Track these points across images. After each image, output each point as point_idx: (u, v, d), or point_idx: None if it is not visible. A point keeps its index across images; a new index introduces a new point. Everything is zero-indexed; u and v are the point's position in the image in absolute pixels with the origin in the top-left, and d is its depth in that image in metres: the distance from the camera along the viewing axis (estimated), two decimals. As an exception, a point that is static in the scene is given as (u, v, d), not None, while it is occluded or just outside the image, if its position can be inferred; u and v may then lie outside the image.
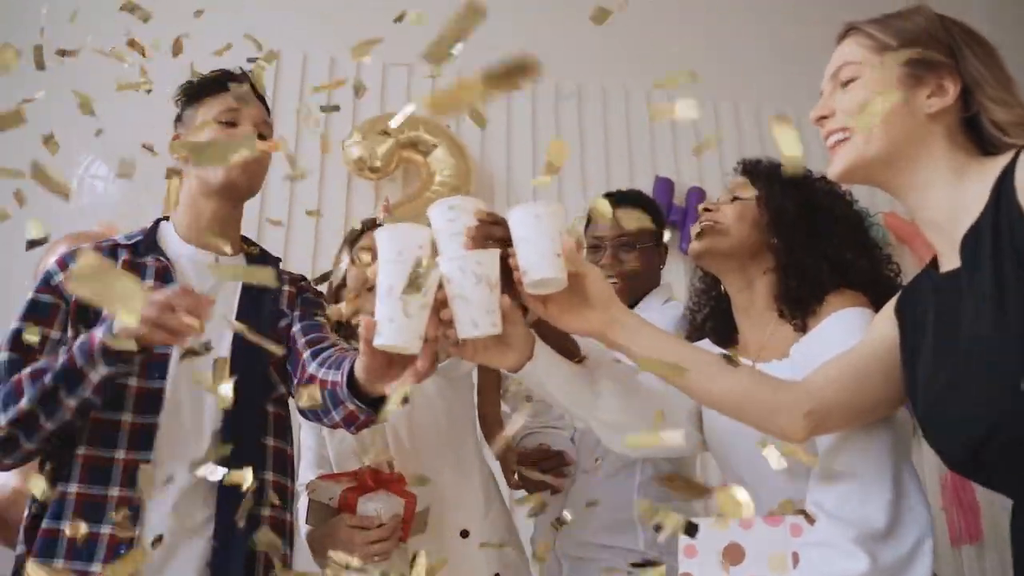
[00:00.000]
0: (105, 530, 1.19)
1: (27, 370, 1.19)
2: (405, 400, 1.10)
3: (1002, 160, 0.92)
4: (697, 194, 3.25)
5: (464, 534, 1.57)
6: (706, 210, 1.33)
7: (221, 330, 1.33)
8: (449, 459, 1.62)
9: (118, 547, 1.19)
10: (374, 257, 1.60)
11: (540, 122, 3.28)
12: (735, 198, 1.32)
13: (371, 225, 1.74)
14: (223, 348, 1.33)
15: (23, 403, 1.17)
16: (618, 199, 1.84)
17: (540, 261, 0.99)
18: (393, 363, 1.02)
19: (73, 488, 1.21)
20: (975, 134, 0.99)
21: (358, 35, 3.43)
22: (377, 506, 1.43)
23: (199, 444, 1.28)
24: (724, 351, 1.12)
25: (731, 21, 3.74)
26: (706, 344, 1.38)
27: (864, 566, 0.98)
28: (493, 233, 1.05)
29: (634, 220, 1.67)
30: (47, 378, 1.16)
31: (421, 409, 1.60)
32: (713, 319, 1.38)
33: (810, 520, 1.06)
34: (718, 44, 3.66)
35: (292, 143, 2.96)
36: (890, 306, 1.08)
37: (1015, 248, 0.85)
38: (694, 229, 1.32)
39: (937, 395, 0.95)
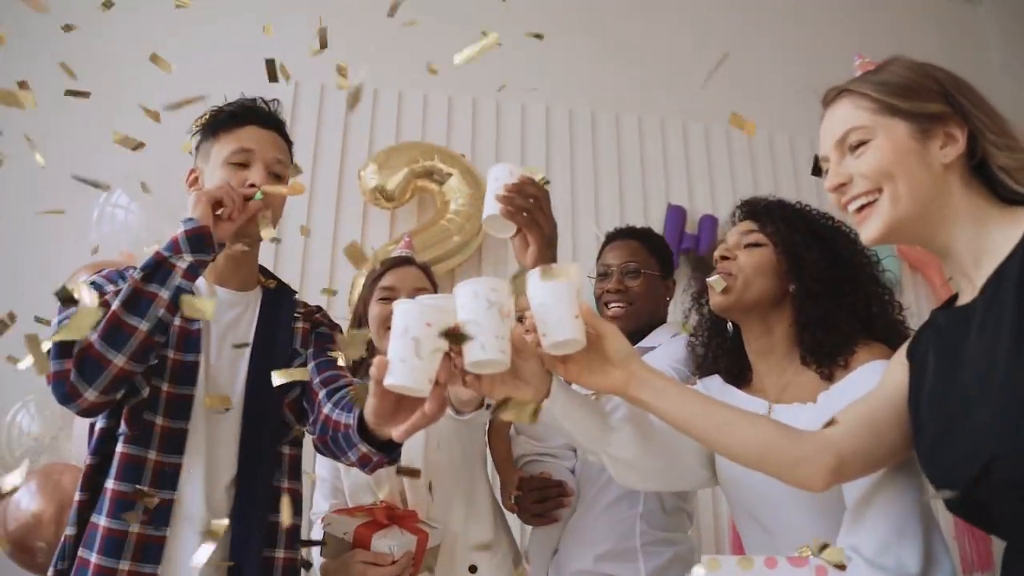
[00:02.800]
0: (124, 566, 1.20)
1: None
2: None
3: None
4: (709, 221, 3.27)
5: (473, 570, 1.59)
6: (723, 258, 1.32)
7: (235, 372, 1.36)
8: (461, 497, 1.64)
9: None
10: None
11: (554, 150, 3.31)
12: (749, 244, 1.32)
13: (394, 264, 1.76)
14: (237, 391, 1.35)
15: (115, 306, 1.17)
16: (627, 234, 1.91)
17: (558, 323, 0.99)
18: (402, 406, 1.01)
19: (102, 521, 1.23)
20: (986, 179, 0.99)
21: (376, 64, 3.48)
22: (391, 543, 1.44)
23: (217, 487, 1.30)
24: None
25: (745, 51, 3.77)
26: (716, 380, 1.38)
27: None
28: (525, 190, 1.26)
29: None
30: (136, 273, 1.21)
31: (435, 448, 1.62)
32: (725, 357, 1.38)
33: (841, 566, 1.06)
34: (732, 73, 3.69)
35: (309, 172, 3.00)
36: (902, 351, 1.08)
37: None
38: (715, 283, 1.31)
39: (935, 435, 0.96)
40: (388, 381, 0.94)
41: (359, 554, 1.45)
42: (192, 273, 1.22)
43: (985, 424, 0.88)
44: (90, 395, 1.16)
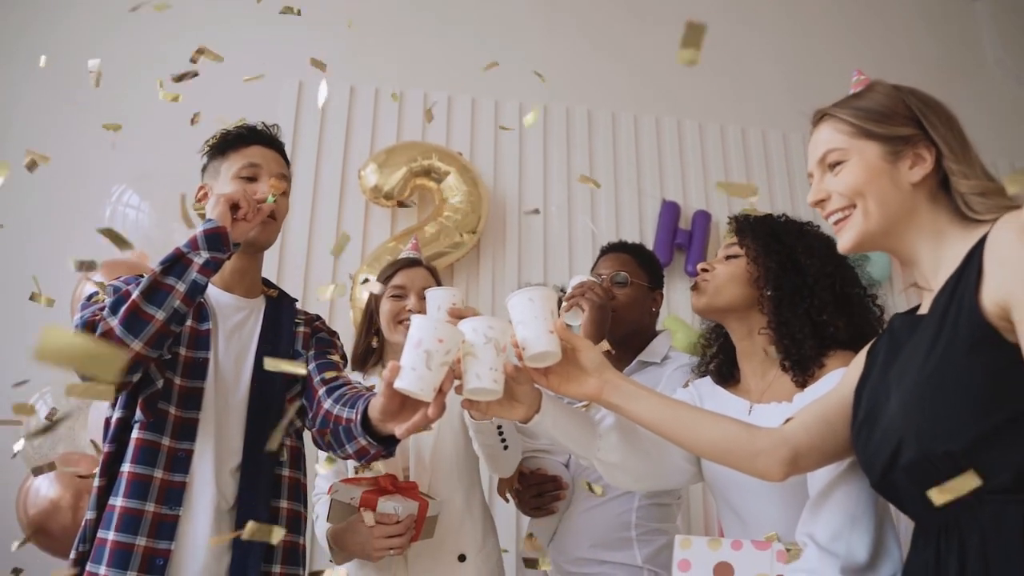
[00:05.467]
0: (140, 542, 1.30)
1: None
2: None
3: (985, 228, 1.00)
4: (703, 217, 3.34)
5: (462, 558, 1.71)
6: (703, 270, 1.45)
7: (240, 370, 1.46)
8: (459, 489, 1.76)
9: (152, 559, 1.30)
10: (406, 295, 1.79)
11: (551, 148, 3.38)
12: (728, 256, 1.44)
13: (404, 264, 1.89)
14: (242, 386, 1.45)
15: (135, 295, 1.27)
16: (619, 247, 2.05)
17: (536, 338, 1.13)
18: (406, 407, 1.15)
19: (119, 502, 1.32)
20: (951, 196, 1.08)
21: (377, 64, 3.55)
22: (396, 505, 1.55)
23: (224, 471, 1.39)
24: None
25: (741, 49, 3.82)
26: (707, 381, 1.50)
27: None
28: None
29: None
30: (156, 266, 1.30)
31: (446, 436, 1.74)
32: (717, 359, 1.49)
33: (790, 548, 1.16)
34: (727, 71, 3.74)
35: (312, 170, 3.09)
36: (863, 352, 1.17)
37: (961, 302, 0.94)
38: (692, 289, 1.46)
39: (861, 421, 1.06)
40: (398, 384, 1.08)
41: (366, 515, 1.57)
42: (207, 268, 1.31)
43: (894, 413, 0.98)
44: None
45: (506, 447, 1.67)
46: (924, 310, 1.07)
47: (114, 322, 1.26)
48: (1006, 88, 4.14)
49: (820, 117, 1.15)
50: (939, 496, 0.84)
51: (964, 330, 0.92)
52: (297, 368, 1.22)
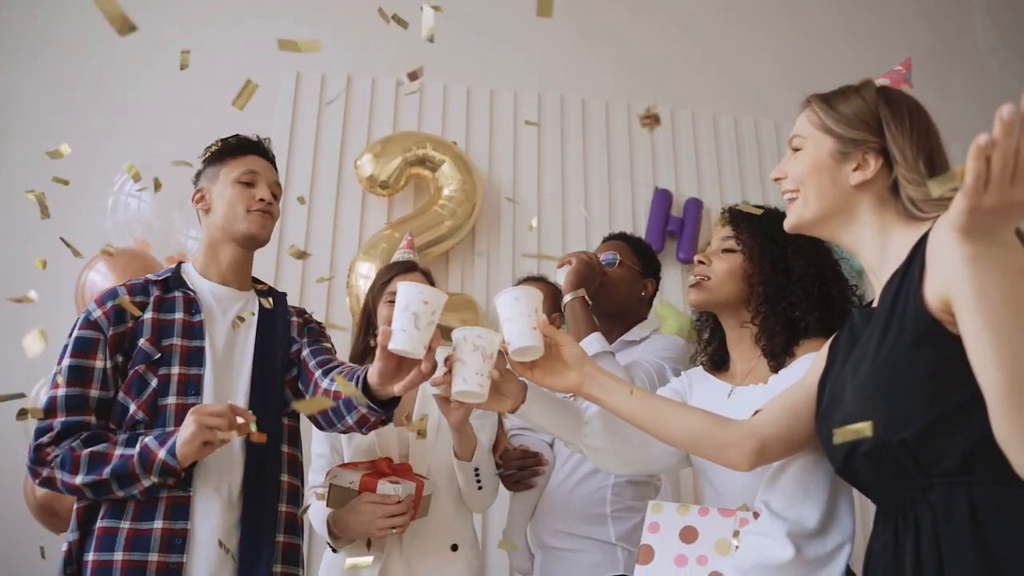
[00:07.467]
0: (158, 525, 1.37)
1: (88, 450, 1.38)
2: (421, 433, 1.50)
3: (928, 224, 1.05)
4: (694, 204, 3.40)
5: (454, 548, 1.77)
6: (700, 262, 1.50)
7: (243, 355, 1.54)
8: (454, 481, 1.81)
9: (172, 539, 1.37)
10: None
11: (545, 136, 3.43)
12: (724, 249, 1.49)
13: (403, 269, 1.95)
14: (244, 370, 1.53)
15: (77, 480, 1.36)
16: (617, 236, 2.13)
17: (519, 334, 1.21)
18: (401, 367, 1.26)
19: (122, 492, 1.39)
20: (900, 198, 1.12)
21: (375, 54, 3.58)
22: (396, 486, 1.63)
23: (231, 452, 1.47)
24: None
25: (734, 38, 3.86)
26: (698, 371, 1.56)
27: (790, 555, 1.16)
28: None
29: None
30: (105, 472, 1.35)
31: (444, 433, 1.78)
32: (711, 347, 1.56)
33: (755, 515, 1.23)
34: (720, 60, 3.78)
35: (309, 161, 3.15)
36: (827, 345, 1.23)
37: (907, 297, 0.99)
38: (689, 282, 1.51)
39: (822, 413, 1.12)
40: (392, 346, 1.19)
41: (367, 496, 1.64)
42: (148, 494, 1.38)
43: (850, 404, 1.03)
44: (40, 487, 1.42)
45: (480, 488, 1.76)
46: (876, 304, 1.12)
47: (59, 478, 1.37)
48: (999, 76, 4.16)
49: (806, 102, 1.21)
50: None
51: (911, 324, 0.96)
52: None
